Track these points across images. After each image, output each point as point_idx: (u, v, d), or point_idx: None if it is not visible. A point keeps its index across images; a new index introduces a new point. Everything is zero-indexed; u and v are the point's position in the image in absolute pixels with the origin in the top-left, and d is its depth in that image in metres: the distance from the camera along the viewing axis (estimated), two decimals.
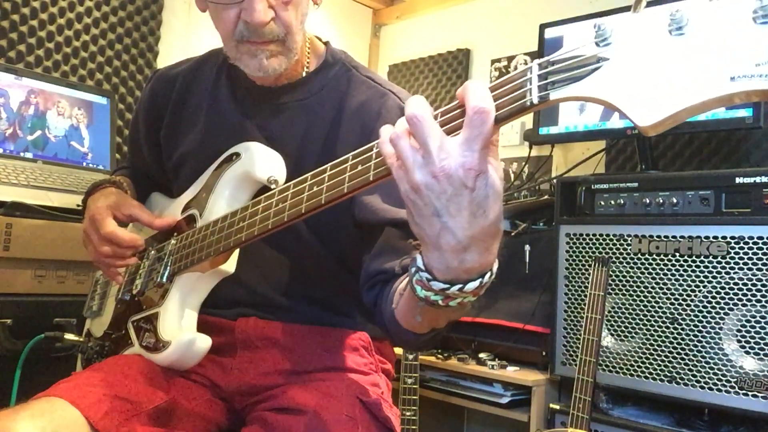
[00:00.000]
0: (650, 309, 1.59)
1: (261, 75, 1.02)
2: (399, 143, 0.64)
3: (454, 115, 0.66)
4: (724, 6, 0.52)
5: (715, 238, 1.50)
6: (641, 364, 1.59)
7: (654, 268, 1.59)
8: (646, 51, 0.56)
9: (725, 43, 0.52)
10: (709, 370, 1.48)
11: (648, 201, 1.64)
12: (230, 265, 1.05)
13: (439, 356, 2.05)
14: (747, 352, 1.44)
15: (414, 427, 1.88)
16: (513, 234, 1.97)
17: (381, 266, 0.93)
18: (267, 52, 0.99)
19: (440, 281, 0.67)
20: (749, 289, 1.44)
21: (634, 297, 1.62)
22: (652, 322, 1.58)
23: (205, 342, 1.01)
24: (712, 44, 0.52)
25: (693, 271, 1.53)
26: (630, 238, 1.64)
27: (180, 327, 1.02)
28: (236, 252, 1.04)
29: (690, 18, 0.54)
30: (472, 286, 0.67)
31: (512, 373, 1.88)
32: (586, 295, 1.58)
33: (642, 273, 1.61)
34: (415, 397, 1.90)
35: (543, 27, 2.23)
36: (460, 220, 0.63)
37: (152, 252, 1.12)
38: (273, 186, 0.97)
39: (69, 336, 1.26)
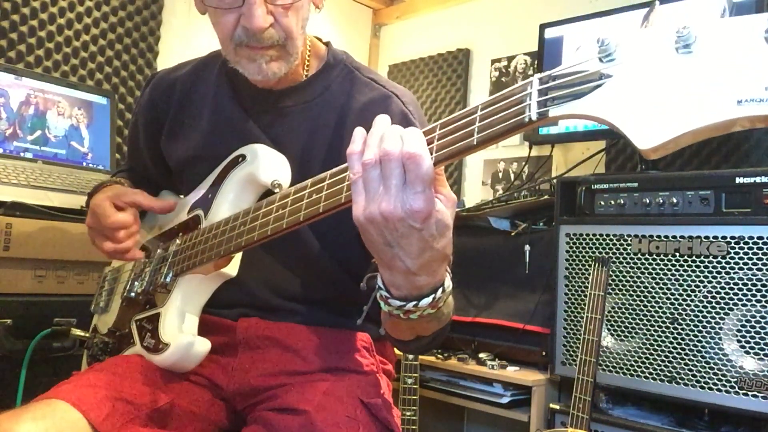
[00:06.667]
0: (650, 309, 1.59)
1: (260, 79, 1.02)
2: (370, 172, 0.66)
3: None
4: (734, 24, 0.50)
5: (715, 238, 1.50)
6: (641, 364, 1.59)
7: (654, 268, 1.59)
8: (650, 69, 0.53)
9: (734, 63, 0.49)
10: (709, 370, 1.48)
11: (648, 201, 1.64)
12: (233, 268, 1.05)
13: (439, 356, 2.05)
14: (747, 352, 1.44)
15: (414, 427, 1.89)
16: (513, 234, 1.97)
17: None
18: (266, 57, 0.98)
19: (396, 298, 0.73)
20: (749, 289, 1.44)
21: (634, 297, 1.62)
22: (652, 322, 1.58)
23: (204, 345, 1.01)
24: (720, 64, 0.50)
25: (693, 271, 1.53)
26: (630, 238, 1.64)
27: (180, 329, 1.02)
28: (239, 255, 1.04)
29: (698, 35, 0.51)
30: (425, 302, 0.72)
31: (512, 373, 1.88)
32: (586, 295, 1.58)
33: (642, 273, 1.61)
34: (415, 397, 1.90)
35: (543, 27, 2.23)
36: (410, 253, 0.67)
37: (158, 251, 1.12)
38: (277, 190, 0.97)
39: (76, 331, 1.27)
